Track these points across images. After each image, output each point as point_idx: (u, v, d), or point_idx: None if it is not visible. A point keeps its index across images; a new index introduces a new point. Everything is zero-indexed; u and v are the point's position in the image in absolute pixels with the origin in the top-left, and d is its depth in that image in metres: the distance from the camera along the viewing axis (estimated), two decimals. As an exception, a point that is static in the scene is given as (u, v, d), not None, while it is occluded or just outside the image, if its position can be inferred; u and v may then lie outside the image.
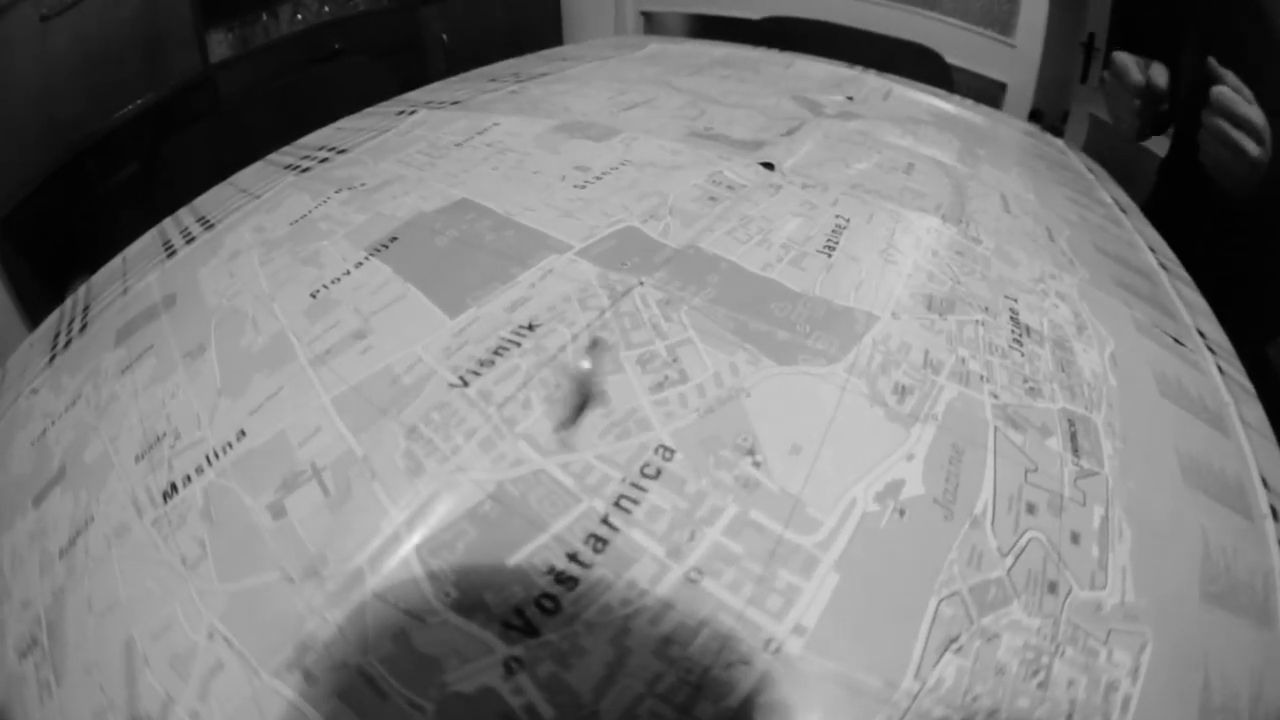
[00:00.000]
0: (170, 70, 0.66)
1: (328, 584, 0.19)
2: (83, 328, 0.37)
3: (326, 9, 0.70)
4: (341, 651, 0.18)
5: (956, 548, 0.20)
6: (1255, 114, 0.46)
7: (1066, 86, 0.71)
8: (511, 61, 0.60)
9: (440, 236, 0.30)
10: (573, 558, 0.18)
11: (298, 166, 0.44)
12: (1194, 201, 0.57)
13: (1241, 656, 0.22)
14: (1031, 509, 0.22)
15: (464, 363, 0.23)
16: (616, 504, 0.18)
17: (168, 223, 0.44)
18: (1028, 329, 0.30)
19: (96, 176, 0.64)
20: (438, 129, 0.43)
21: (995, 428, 0.24)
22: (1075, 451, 0.25)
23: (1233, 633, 0.22)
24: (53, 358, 0.36)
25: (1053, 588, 0.20)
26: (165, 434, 0.26)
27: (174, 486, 0.24)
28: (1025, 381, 0.27)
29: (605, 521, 0.18)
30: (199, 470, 0.24)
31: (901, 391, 0.24)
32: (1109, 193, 0.54)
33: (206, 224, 0.41)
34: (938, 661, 0.18)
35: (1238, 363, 0.38)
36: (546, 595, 0.17)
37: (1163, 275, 0.44)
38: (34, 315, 0.61)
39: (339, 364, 0.25)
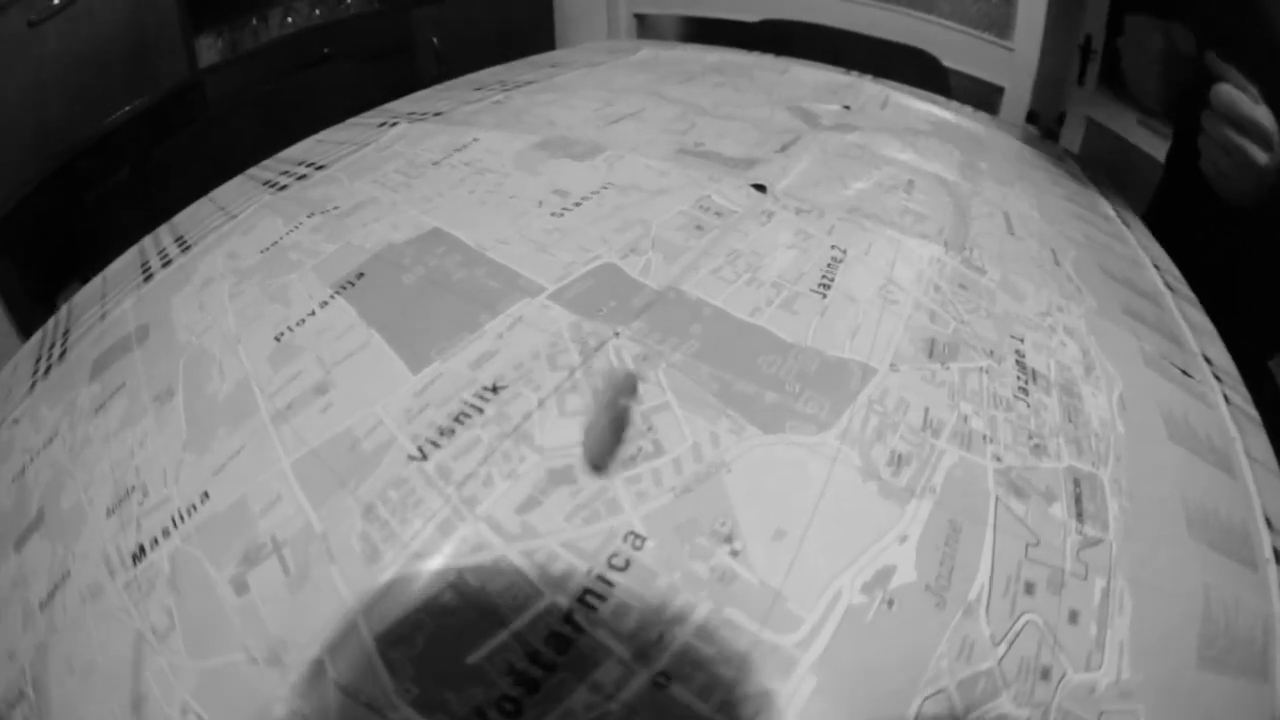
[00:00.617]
0: (159, 76, 0.64)
1: (290, 673, 0.18)
2: (62, 354, 0.36)
3: (317, 12, 0.68)
4: None
5: (947, 640, 0.19)
6: (1263, 115, 0.40)
7: (1063, 89, 0.68)
8: (498, 69, 0.57)
9: (408, 274, 0.28)
10: (533, 658, 0.16)
11: (275, 184, 0.42)
12: (1198, 208, 0.54)
13: (1239, 718, 0.21)
14: (1030, 589, 0.20)
15: (424, 430, 0.21)
16: (581, 599, 0.17)
17: (147, 241, 0.43)
18: (1034, 375, 0.28)
19: (87, 182, 0.63)
20: (416, 144, 0.41)
21: (996, 498, 0.22)
22: (1080, 517, 0.23)
23: (1229, 697, 0.22)
24: (34, 385, 0.35)
25: (1045, 674, 0.19)
26: (134, 488, 0.25)
27: (142, 549, 0.23)
28: (1031, 438, 0.25)
29: (568, 620, 0.17)
30: (165, 533, 0.23)
31: (898, 462, 0.22)
32: (1111, 204, 0.52)
33: (183, 245, 0.39)
34: (917, 765, 0.16)
35: (1243, 389, 0.36)
36: (507, 698, 0.16)
37: (1168, 297, 0.42)
38: (25, 324, 0.61)
39: (300, 422, 0.24)
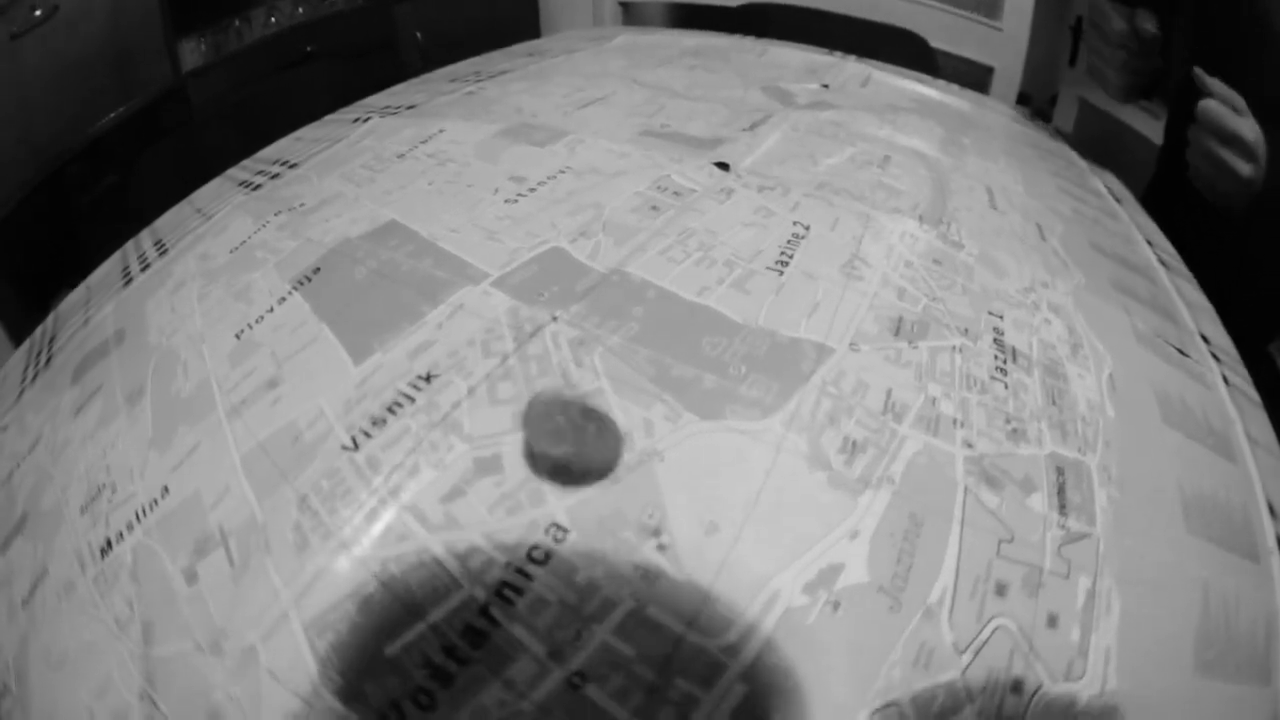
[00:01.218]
0: (143, 81, 0.64)
1: (227, 659, 0.18)
2: (47, 361, 0.37)
3: (300, 10, 0.68)
4: None
5: (901, 646, 0.17)
6: (1247, 128, 0.41)
7: (1055, 70, 0.66)
8: (477, 59, 0.57)
9: (360, 267, 0.28)
10: (449, 652, 0.16)
11: (250, 183, 0.42)
12: (1191, 201, 0.52)
13: None
14: (1001, 590, 0.19)
15: (359, 420, 0.21)
16: (498, 593, 0.17)
17: (129, 246, 0.43)
18: (1014, 353, 0.26)
19: (74, 190, 0.64)
20: (385, 139, 0.41)
21: (965, 488, 0.21)
22: (1062, 509, 0.21)
23: (1228, 701, 0.20)
24: (21, 393, 0.36)
25: (1017, 687, 0.18)
26: (105, 486, 0.25)
27: (109, 543, 0.23)
28: (1008, 422, 0.23)
29: (484, 613, 0.16)
30: (129, 527, 0.23)
31: (851, 449, 0.20)
32: (1102, 180, 0.50)
33: (161, 249, 0.40)
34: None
35: (1243, 369, 0.34)
36: (423, 690, 0.16)
37: (1162, 273, 0.40)
38: (17, 332, 0.62)
39: (251, 417, 0.24)
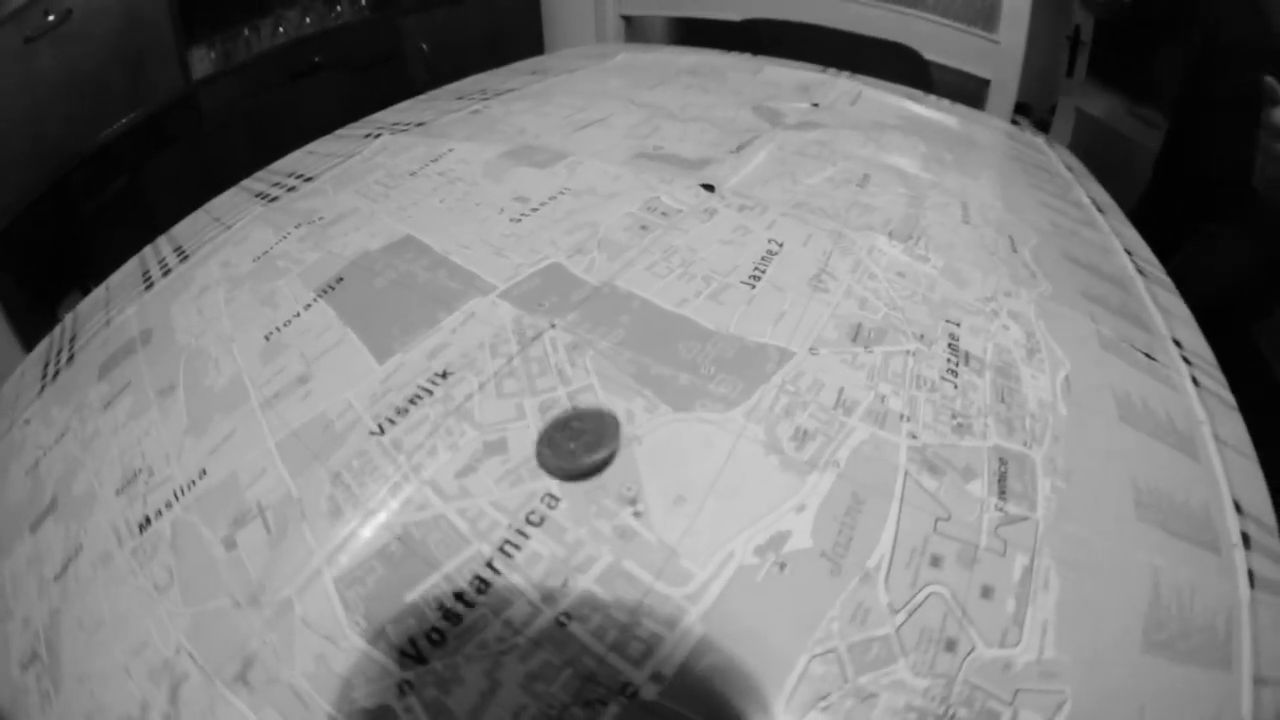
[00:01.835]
0: (154, 88, 0.70)
1: (265, 610, 0.23)
2: (70, 359, 0.42)
3: (308, 20, 0.73)
4: (275, 668, 0.21)
5: (840, 604, 0.21)
6: None
7: (1053, 80, 0.71)
8: (483, 76, 0.62)
9: (379, 278, 0.33)
10: (459, 597, 0.21)
11: (267, 195, 0.47)
12: (1192, 196, 0.57)
13: (1189, 707, 0.22)
14: (936, 562, 0.22)
15: (384, 410, 0.26)
16: (501, 549, 0.21)
17: (147, 251, 0.48)
18: (967, 356, 0.30)
19: (83, 194, 0.69)
20: (397, 155, 0.46)
21: (906, 473, 0.24)
22: (1002, 494, 0.25)
23: (1180, 682, 0.22)
24: (43, 388, 0.41)
25: (951, 646, 0.21)
26: (141, 470, 0.30)
27: (147, 519, 0.27)
28: (954, 417, 0.27)
29: (489, 565, 0.21)
30: (168, 505, 0.27)
31: (802, 437, 0.25)
32: (1087, 191, 0.55)
33: (181, 255, 0.45)
34: (802, 719, 0.19)
35: (1218, 372, 0.37)
36: (435, 629, 0.20)
37: (1138, 281, 0.44)
38: (25, 333, 0.67)
39: (284, 408, 0.28)
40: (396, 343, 0.29)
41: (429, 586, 0.21)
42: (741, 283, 0.32)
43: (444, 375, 0.26)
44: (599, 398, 0.25)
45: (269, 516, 0.25)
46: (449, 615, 0.20)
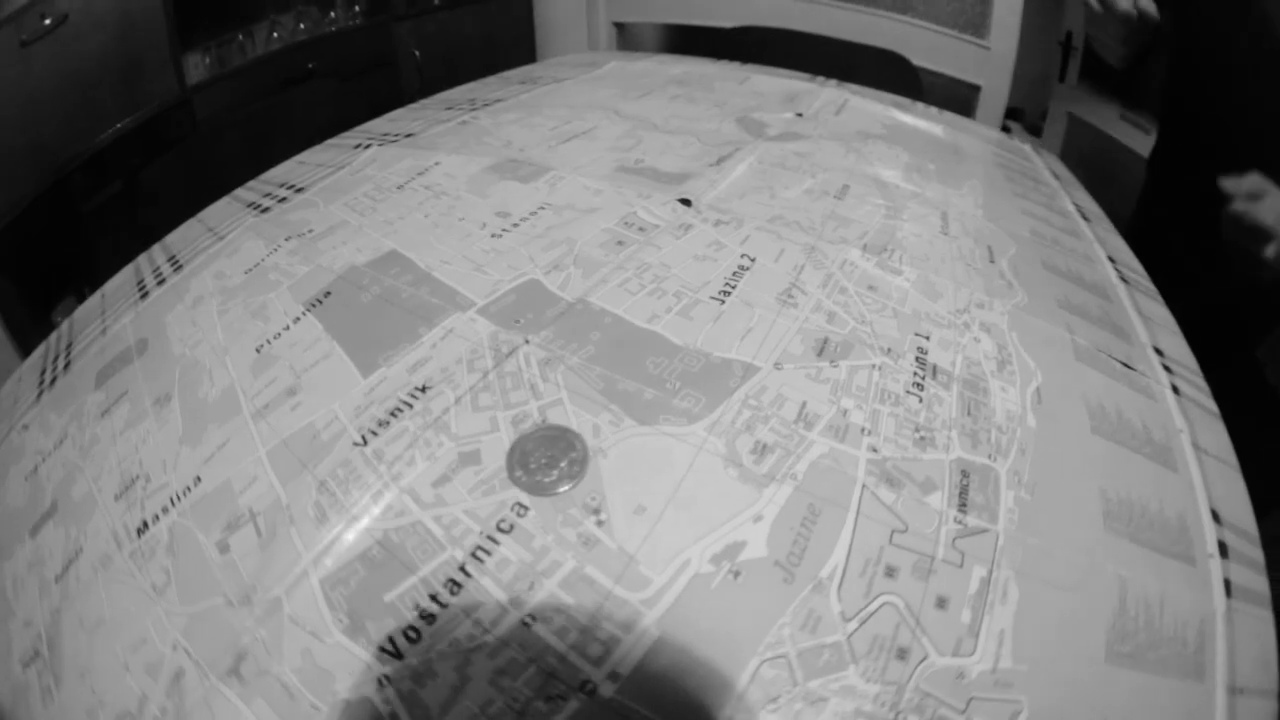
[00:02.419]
0: (149, 93, 0.73)
1: (256, 609, 0.25)
2: (66, 365, 0.44)
3: (302, 26, 0.76)
4: (265, 662, 0.24)
5: (791, 611, 0.22)
6: (1268, 213, 0.48)
7: (1046, 85, 0.73)
8: (473, 85, 0.65)
9: (365, 293, 0.35)
10: (434, 598, 0.23)
11: (258, 205, 0.50)
12: (1184, 201, 0.59)
13: (1155, 717, 0.23)
14: (891, 573, 0.24)
15: (367, 422, 0.28)
16: (473, 554, 0.24)
17: (142, 260, 0.51)
18: (934, 370, 0.32)
19: (79, 198, 0.72)
20: (385, 168, 0.49)
21: (864, 486, 0.26)
22: (962, 507, 0.26)
23: (1147, 693, 0.23)
24: (40, 394, 0.43)
25: (903, 654, 0.22)
26: (138, 477, 0.32)
27: (145, 524, 0.30)
28: (916, 431, 0.28)
29: (462, 569, 0.24)
30: (165, 510, 0.30)
31: (761, 450, 0.27)
32: (1073, 199, 0.57)
33: (176, 265, 0.47)
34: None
35: (1200, 380, 0.39)
36: (412, 628, 0.23)
37: (1121, 289, 0.46)
38: (21, 337, 0.70)
39: (274, 418, 0.31)
40: (380, 357, 0.31)
41: (406, 588, 0.24)
42: (711, 298, 0.34)
43: (423, 389, 0.29)
44: (567, 412, 0.28)
45: (260, 521, 0.28)
46: (424, 615, 0.23)
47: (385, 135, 0.55)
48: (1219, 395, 0.39)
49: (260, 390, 0.33)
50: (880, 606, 0.23)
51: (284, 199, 0.49)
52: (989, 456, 0.29)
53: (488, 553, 0.24)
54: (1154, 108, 0.65)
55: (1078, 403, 0.33)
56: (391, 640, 0.23)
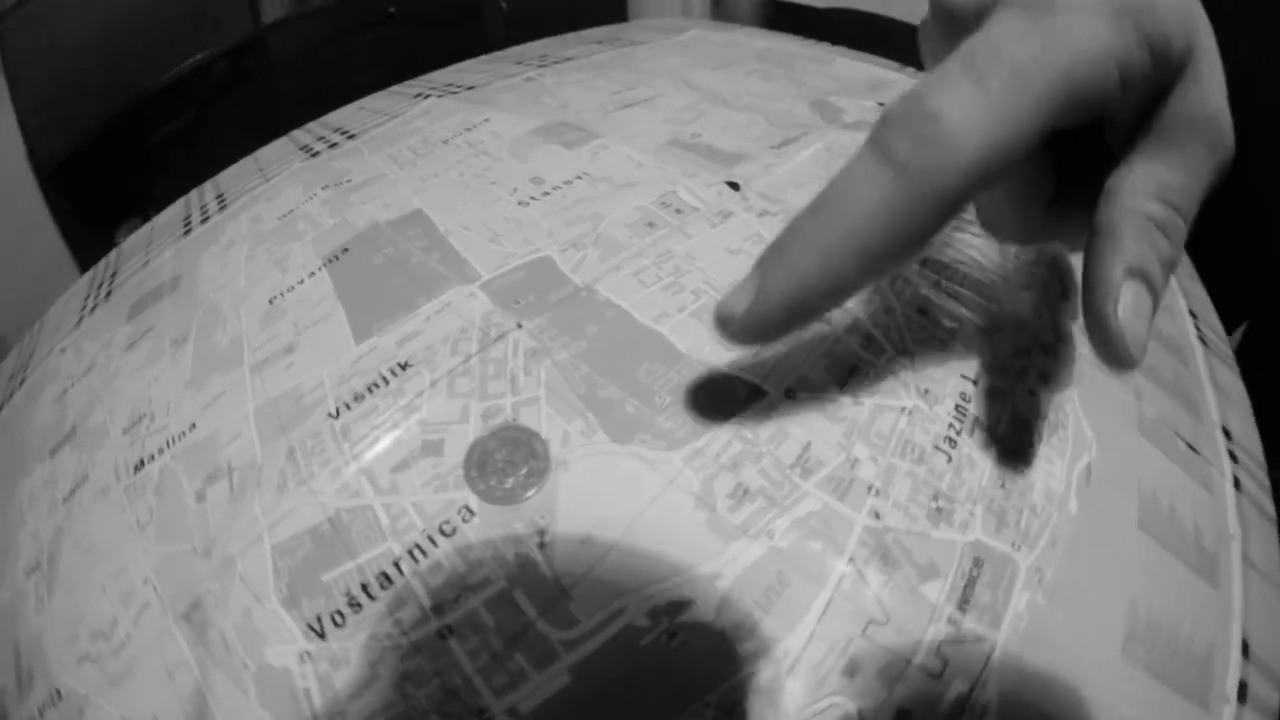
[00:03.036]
0: (223, 29, 0.77)
1: (213, 562, 0.27)
2: (108, 294, 0.48)
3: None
4: (213, 613, 0.25)
5: (722, 691, 0.20)
6: None
7: None
8: (547, 41, 0.64)
9: (379, 254, 0.36)
10: (364, 588, 0.23)
11: (310, 148, 0.52)
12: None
13: None
14: (852, 671, 0.21)
15: (345, 394, 0.29)
16: (410, 551, 0.24)
17: (193, 195, 0.54)
18: (975, 425, 0.27)
19: (150, 128, 0.77)
20: (436, 120, 0.49)
21: (851, 560, 0.23)
22: (962, 605, 0.22)
23: None
24: (80, 320, 0.48)
25: None
26: (145, 415, 0.35)
27: (142, 461, 0.32)
28: (935, 499, 0.24)
29: (396, 564, 0.24)
30: (160, 451, 0.32)
31: (741, 495, 0.24)
32: None
33: (222, 203, 0.50)
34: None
35: (1263, 475, 0.34)
36: (339, 612, 0.23)
37: (1198, 352, 0.39)
38: (81, 255, 0.77)
39: (269, 375, 0.32)
40: (375, 324, 0.32)
41: (343, 572, 0.24)
42: (735, 301, 0.32)
43: (404, 366, 0.29)
44: (540, 413, 0.27)
45: (235, 478, 0.29)
46: (353, 603, 0.23)
47: (448, 86, 0.56)
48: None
49: (263, 344, 0.34)
50: (826, 708, 0.20)
51: (335, 144, 0.51)
52: (1012, 544, 0.24)
53: (424, 553, 0.24)
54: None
55: (1130, 488, 0.28)
56: (319, 619, 0.23)
